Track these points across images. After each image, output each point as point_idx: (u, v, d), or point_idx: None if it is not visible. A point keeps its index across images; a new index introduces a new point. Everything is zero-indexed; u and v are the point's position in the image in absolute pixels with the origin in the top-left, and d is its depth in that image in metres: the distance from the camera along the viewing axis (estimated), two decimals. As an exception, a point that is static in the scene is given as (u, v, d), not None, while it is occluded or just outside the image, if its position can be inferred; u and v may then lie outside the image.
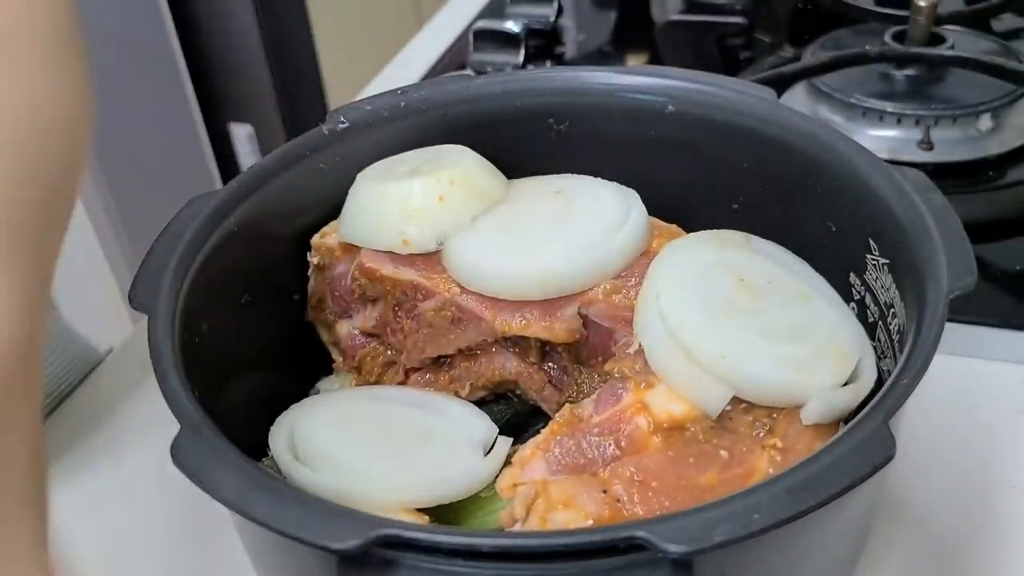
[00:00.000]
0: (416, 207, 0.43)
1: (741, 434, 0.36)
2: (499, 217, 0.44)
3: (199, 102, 1.71)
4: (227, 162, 1.81)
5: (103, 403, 0.58)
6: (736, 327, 0.37)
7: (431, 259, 0.44)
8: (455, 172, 0.44)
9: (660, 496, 0.34)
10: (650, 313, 0.38)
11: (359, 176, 0.46)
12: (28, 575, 0.24)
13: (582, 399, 0.40)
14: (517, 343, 0.44)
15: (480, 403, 0.45)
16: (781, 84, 0.70)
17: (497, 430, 0.42)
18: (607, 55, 0.90)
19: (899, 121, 0.67)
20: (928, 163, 0.66)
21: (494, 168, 0.46)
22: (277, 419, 0.41)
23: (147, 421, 0.55)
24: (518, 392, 0.46)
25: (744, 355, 0.36)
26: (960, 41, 0.72)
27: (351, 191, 0.45)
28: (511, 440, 0.40)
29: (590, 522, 0.34)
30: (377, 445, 0.39)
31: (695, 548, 0.26)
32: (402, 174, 0.44)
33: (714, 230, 0.43)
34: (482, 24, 0.84)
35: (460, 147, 0.46)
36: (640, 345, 0.38)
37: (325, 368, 0.49)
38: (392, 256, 0.44)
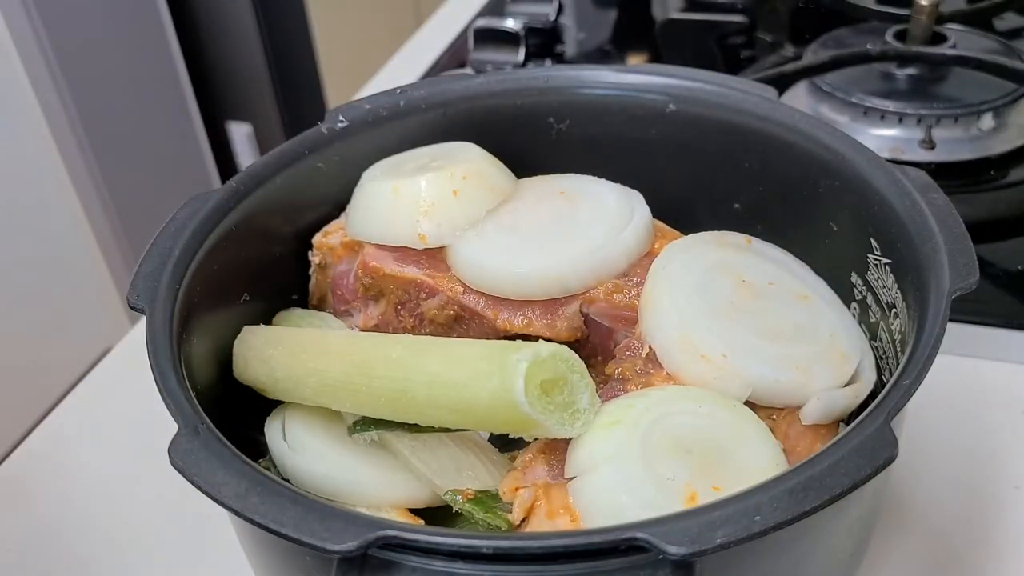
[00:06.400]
0: (431, 202, 0.43)
1: (742, 435, 0.36)
2: (503, 217, 0.44)
3: (198, 101, 1.71)
4: (226, 161, 1.81)
5: (101, 403, 0.58)
6: (737, 327, 0.37)
7: (435, 258, 0.43)
8: (467, 167, 0.44)
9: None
10: (658, 315, 0.38)
11: (367, 174, 0.46)
12: None
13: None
14: (518, 343, 0.44)
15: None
16: (782, 83, 0.70)
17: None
18: (607, 54, 0.89)
19: (901, 120, 0.67)
20: (930, 162, 0.66)
21: (501, 164, 0.46)
22: (273, 411, 0.41)
23: (145, 421, 0.55)
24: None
25: (745, 355, 0.36)
26: (962, 40, 0.72)
27: (359, 189, 0.45)
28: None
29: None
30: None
31: (696, 549, 0.26)
32: (412, 170, 0.44)
33: (715, 231, 0.43)
34: (482, 23, 0.84)
35: (467, 143, 0.46)
36: (650, 348, 0.38)
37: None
38: (396, 254, 0.44)
